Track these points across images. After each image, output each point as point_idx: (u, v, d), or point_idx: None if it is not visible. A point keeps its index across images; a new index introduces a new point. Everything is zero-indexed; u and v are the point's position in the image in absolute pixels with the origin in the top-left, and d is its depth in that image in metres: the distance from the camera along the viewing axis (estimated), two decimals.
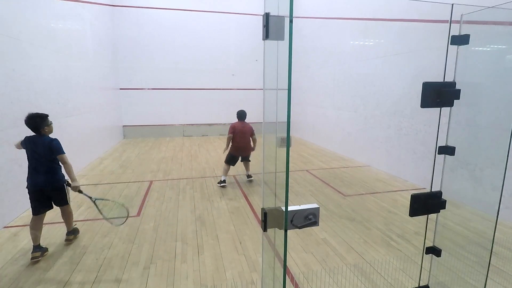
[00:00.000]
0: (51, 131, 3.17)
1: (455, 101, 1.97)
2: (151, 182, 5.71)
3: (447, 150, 2.10)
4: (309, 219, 1.34)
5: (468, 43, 2.00)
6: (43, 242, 3.29)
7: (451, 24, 1.91)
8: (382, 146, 6.46)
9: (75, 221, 3.96)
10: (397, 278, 2.79)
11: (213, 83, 11.32)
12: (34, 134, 3.07)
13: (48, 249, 3.23)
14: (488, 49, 3.83)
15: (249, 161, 5.84)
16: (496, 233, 2.29)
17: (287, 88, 1.17)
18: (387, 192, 5.12)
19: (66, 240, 3.43)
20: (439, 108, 2.04)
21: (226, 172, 5.57)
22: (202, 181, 5.79)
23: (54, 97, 5.38)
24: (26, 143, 3.08)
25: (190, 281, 2.74)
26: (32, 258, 3.00)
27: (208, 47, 11.01)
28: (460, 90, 1.95)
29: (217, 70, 11.27)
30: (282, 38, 1.19)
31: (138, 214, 4.22)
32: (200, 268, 2.95)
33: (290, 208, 1.31)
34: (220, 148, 9.05)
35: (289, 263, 3.03)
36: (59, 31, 5.81)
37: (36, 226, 3.09)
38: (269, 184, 1.48)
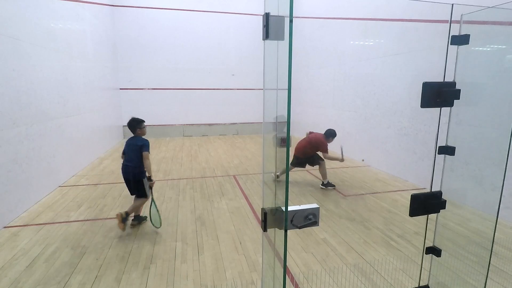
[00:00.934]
0: (143, 134, 3.85)
1: (455, 101, 1.97)
2: None
3: (447, 150, 2.10)
4: (309, 219, 1.34)
5: (468, 43, 2.00)
6: (42, 241, 3.36)
7: (451, 24, 1.91)
8: (382, 146, 6.46)
9: (75, 220, 3.97)
10: (397, 278, 2.79)
11: (213, 83, 11.31)
12: (132, 136, 3.83)
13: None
14: (488, 49, 3.83)
15: (317, 164, 5.52)
16: (496, 233, 2.29)
17: (287, 88, 1.17)
18: (387, 192, 5.12)
19: (131, 225, 3.82)
20: (439, 108, 2.04)
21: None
22: (202, 181, 5.79)
23: (54, 97, 5.38)
24: (126, 143, 3.84)
25: (190, 281, 2.74)
26: (131, 225, 3.81)
27: (208, 47, 11.00)
28: (460, 90, 1.95)
29: (217, 70, 11.27)
30: (282, 38, 1.19)
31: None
32: (200, 268, 2.95)
33: (290, 208, 1.31)
34: (220, 148, 9.05)
35: (289, 263, 3.03)
36: (59, 31, 5.81)
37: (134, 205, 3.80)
38: (269, 184, 1.49)
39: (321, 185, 5.46)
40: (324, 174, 5.45)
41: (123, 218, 3.54)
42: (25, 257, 3.12)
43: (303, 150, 5.54)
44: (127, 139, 3.84)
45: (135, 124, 3.79)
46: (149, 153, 3.71)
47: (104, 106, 8.58)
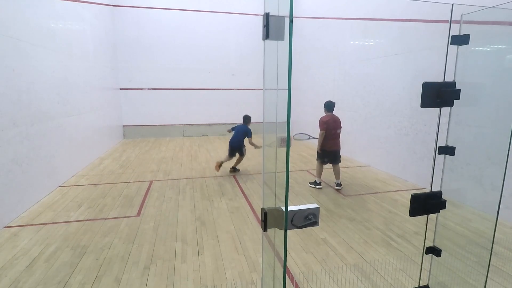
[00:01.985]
0: (249, 124, 6.42)
1: (455, 101, 1.97)
2: (151, 182, 5.71)
3: (447, 150, 2.10)
4: (309, 219, 1.34)
5: (468, 43, 1.99)
6: (43, 241, 3.36)
7: (451, 24, 1.91)
8: (382, 146, 6.46)
9: (75, 220, 3.98)
10: (397, 278, 2.79)
11: (213, 83, 11.31)
12: (242, 123, 6.43)
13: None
14: (488, 49, 3.83)
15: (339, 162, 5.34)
16: (496, 233, 2.29)
17: (287, 88, 1.17)
18: (387, 192, 5.12)
19: (230, 171, 6.40)
20: (439, 108, 2.04)
21: (321, 173, 5.33)
22: (202, 181, 5.79)
23: (54, 97, 5.38)
24: (236, 128, 6.43)
25: (190, 281, 2.74)
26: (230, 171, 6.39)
27: (208, 47, 11.00)
28: (460, 90, 1.95)
29: (217, 70, 11.27)
30: (282, 38, 1.19)
31: (138, 214, 4.22)
32: (200, 268, 2.95)
33: (290, 208, 1.30)
34: (220, 148, 9.05)
35: (289, 263, 3.03)
36: (59, 31, 5.81)
37: (226, 158, 6.33)
38: (269, 184, 1.48)
39: (338, 186, 5.24)
40: (339, 172, 5.33)
41: (219, 165, 6.12)
42: (25, 257, 3.12)
43: (338, 140, 5.26)
44: (237, 125, 6.46)
45: (248, 120, 6.41)
46: (251, 138, 6.25)
47: (104, 106, 8.58)
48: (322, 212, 4.23)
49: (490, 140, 3.72)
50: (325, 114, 5.37)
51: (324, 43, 8.89)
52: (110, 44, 9.54)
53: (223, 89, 11.43)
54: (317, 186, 5.33)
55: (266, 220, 1.35)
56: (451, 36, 1.99)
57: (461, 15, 1.97)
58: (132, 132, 10.81)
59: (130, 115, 10.68)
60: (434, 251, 2.31)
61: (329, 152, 5.23)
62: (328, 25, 8.64)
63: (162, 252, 3.23)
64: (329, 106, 5.32)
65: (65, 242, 3.42)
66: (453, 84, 1.96)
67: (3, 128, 3.90)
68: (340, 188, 5.25)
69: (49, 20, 5.44)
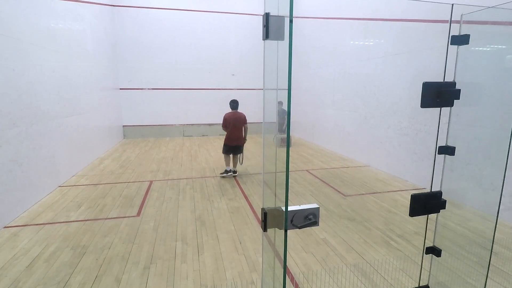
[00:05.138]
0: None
1: (455, 101, 1.97)
2: (151, 182, 5.71)
3: (447, 150, 2.10)
4: (309, 219, 1.34)
5: (468, 43, 1.99)
6: (42, 241, 3.37)
7: (451, 24, 1.91)
8: (382, 146, 6.46)
9: (75, 220, 3.98)
10: (397, 278, 2.79)
11: (213, 83, 11.31)
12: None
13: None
14: (488, 49, 3.83)
15: (240, 153, 6.16)
16: (496, 233, 2.29)
17: (287, 88, 1.17)
18: (387, 192, 5.12)
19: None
20: (439, 108, 2.04)
21: (228, 163, 6.06)
22: (202, 181, 5.79)
23: (54, 97, 5.38)
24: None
25: (190, 281, 2.74)
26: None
27: (208, 47, 11.00)
28: (460, 90, 1.95)
29: (217, 70, 11.27)
30: (282, 38, 1.19)
31: (138, 214, 4.22)
32: (200, 268, 2.95)
33: (290, 208, 1.30)
34: (220, 148, 9.05)
35: (289, 263, 3.03)
36: (59, 31, 5.81)
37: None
38: (269, 184, 1.48)
39: (234, 173, 6.03)
40: (237, 162, 6.17)
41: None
42: (25, 257, 3.12)
43: (240, 134, 6.03)
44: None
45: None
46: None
47: (104, 106, 8.58)
48: (322, 212, 4.24)
49: (490, 140, 3.72)
50: (230, 111, 6.13)
51: (324, 43, 8.89)
52: (110, 44, 9.54)
53: (223, 89, 11.43)
54: (228, 174, 5.99)
55: (266, 220, 1.35)
56: (451, 36, 1.99)
57: (461, 15, 1.97)
58: (132, 132, 10.81)
59: (130, 115, 10.68)
60: (434, 251, 2.31)
61: (230, 146, 6.01)
62: (328, 25, 8.64)
63: (162, 252, 3.23)
64: (231, 104, 6.12)
65: (65, 242, 3.42)
66: (453, 84, 1.96)
67: (3, 128, 3.90)
68: (235, 175, 6.02)
69: (49, 20, 5.44)
